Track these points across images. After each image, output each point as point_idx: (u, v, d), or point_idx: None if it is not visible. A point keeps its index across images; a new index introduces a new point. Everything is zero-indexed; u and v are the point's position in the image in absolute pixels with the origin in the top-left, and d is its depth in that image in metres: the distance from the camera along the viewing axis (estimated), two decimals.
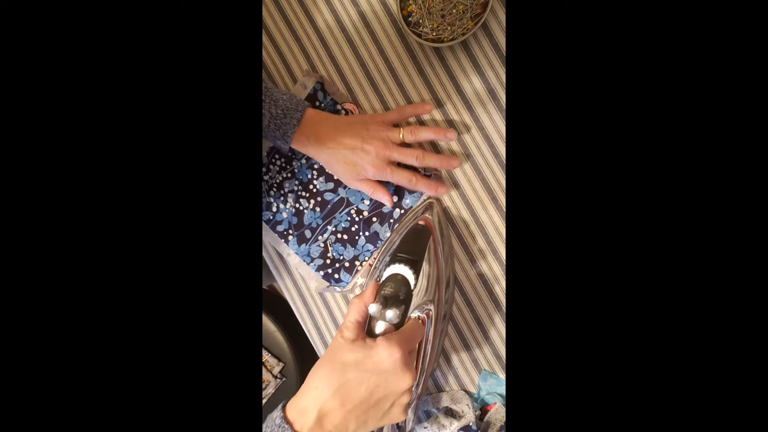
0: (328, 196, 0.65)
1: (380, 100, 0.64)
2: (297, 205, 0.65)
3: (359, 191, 0.64)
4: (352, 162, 0.58)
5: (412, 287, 0.49)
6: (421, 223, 0.58)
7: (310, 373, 0.45)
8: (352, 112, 0.63)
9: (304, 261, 0.66)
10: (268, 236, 0.66)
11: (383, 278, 0.50)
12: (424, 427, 0.61)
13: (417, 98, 0.63)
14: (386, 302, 0.47)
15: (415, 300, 0.50)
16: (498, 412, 0.61)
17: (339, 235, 0.65)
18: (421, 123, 0.63)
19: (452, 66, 0.61)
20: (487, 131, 0.61)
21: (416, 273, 0.50)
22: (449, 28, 0.58)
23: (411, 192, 0.63)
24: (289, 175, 0.65)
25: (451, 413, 0.63)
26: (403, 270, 0.49)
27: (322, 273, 0.65)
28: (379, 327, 0.46)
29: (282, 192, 0.65)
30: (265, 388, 0.98)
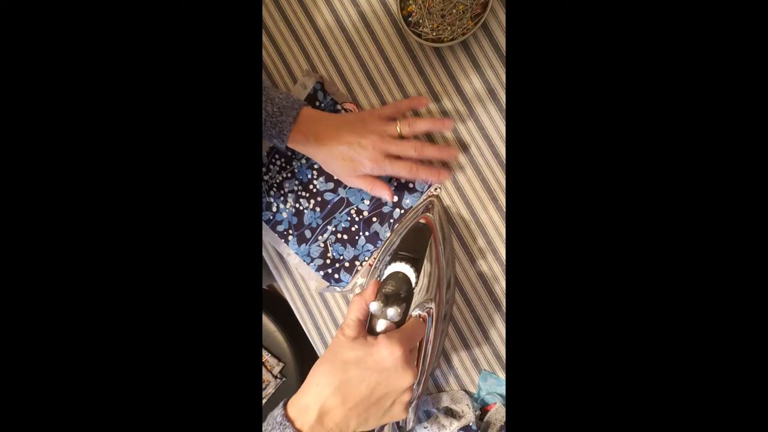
0: (328, 196, 0.65)
1: (380, 100, 0.64)
2: (297, 205, 0.65)
3: (359, 191, 0.64)
4: (349, 158, 0.57)
5: (413, 285, 0.49)
6: (422, 221, 0.58)
7: (311, 370, 0.45)
8: (352, 112, 0.63)
9: (304, 261, 0.66)
10: (268, 236, 0.66)
11: (384, 276, 0.50)
12: (424, 427, 0.61)
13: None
14: (387, 300, 0.47)
15: (416, 298, 0.50)
16: (498, 412, 0.61)
17: (339, 235, 0.65)
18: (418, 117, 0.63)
19: (452, 66, 0.61)
20: (487, 131, 0.61)
21: (417, 271, 0.50)
22: (449, 28, 0.58)
23: (411, 192, 0.63)
24: (289, 175, 0.65)
25: (451, 413, 0.63)
26: (404, 268, 0.49)
27: (322, 273, 0.65)
28: (380, 325, 0.46)
29: (282, 192, 0.65)
30: (265, 388, 0.98)
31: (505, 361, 0.63)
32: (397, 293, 0.48)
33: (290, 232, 0.66)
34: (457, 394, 0.63)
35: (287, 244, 0.66)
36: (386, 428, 0.52)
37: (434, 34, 0.59)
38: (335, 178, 0.64)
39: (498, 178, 0.62)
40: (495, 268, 0.62)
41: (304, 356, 1.00)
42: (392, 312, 0.45)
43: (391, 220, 0.63)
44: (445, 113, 0.62)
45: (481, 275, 0.63)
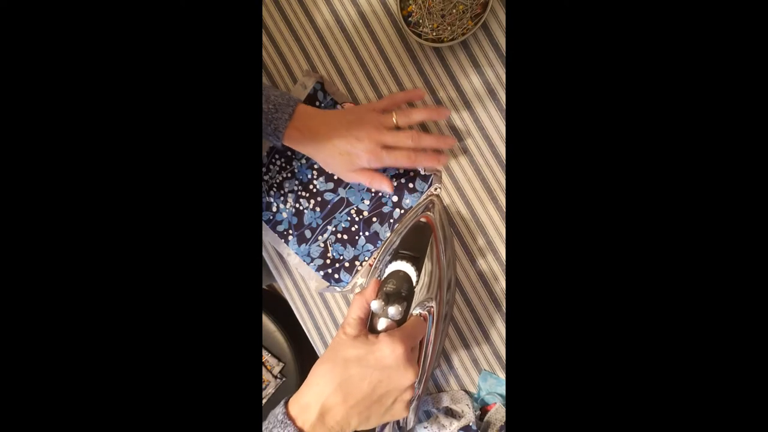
0: (328, 196, 0.65)
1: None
2: (297, 205, 0.65)
3: (359, 192, 0.64)
4: (345, 151, 0.56)
5: (414, 284, 0.49)
6: (423, 220, 0.58)
7: (312, 369, 0.45)
8: None
9: (304, 261, 0.66)
10: (268, 236, 0.66)
11: (385, 275, 0.50)
12: (425, 427, 0.61)
13: (420, 104, 0.62)
14: (388, 299, 0.47)
15: (417, 297, 0.50)
16: (498, 412, 0.61)
17: (339, 235, 0.65)
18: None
19: (452, 66, 0.61)
20: (487, 131, 0.61)
21: (418, 270, 0.50)
22: (449, 28, 0.58)
23: (411, 192, 0.63)
24: (289, 175, 0.65)
25: (451, 413, 0.63)
26: (405, 267, 0.49)
27: (322, 273, 0.65)
28: (381, 324, 0.46)
29: (282, 192, 0.65)
30: (265, 388, 0.98)
31: (505, 361, 0.63)
32: (398, 292, 0.48)
33: (290, 232, 0.66)
34: (457, 394, 0.63)
35: (287, 244, 0.66)
36: (387, 428, 0.52)
37: (434, 34, 0.59)
38: (335, 178, 0.64)
39: (498, 178, 0.62)
40: (495, 268, 0.62)
41: (304, 356, 1.00)
42: (393, 310, 0.45)
43: (391, 220, 0.63)
44: (446, 121, 0.62)
45: (481, 275, 0.63)
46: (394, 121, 0.58)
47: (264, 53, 0.65)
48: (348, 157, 0.57)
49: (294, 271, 0.67)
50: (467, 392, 0.63)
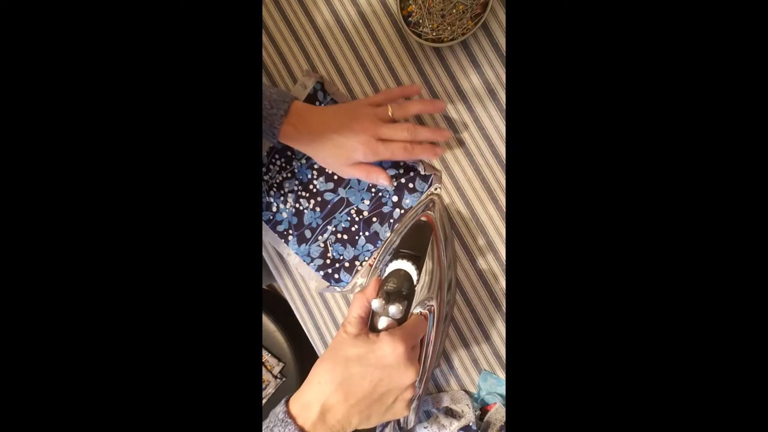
0: (328, 196, 0.65)
1: None
2: (297, 205, 0.65)
3: (359, 191, 0.64)
4: (341, 145, 0.56)
5: (415, 283, 0.49)
6: (423, 219, 0.58)
7: (313, 368, 0.45)
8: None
9: (304, 261, 0.66)
10: (268, 236, 0.66)
11: (386, 274, 0.50)
12: (425, 427, 0.61)
13: (417, 98, 0.62)
14: (389, 298, 0.47)
15: (418, 296, 0.50)
16: (498, 412, 0.61)
17: (339, 235, 0.65)
18: None
19: (452, 66, 0.61)
20: (487, 131, 0.61)
21: (419, 269, 0.50)
22: (449, 28, 0.58)
23: (411, 192, 0.63)
24: (289, 175, 0.65)
25: (451, 413, 0.63)
26: (406, 266, 0.49)
27: (322, 273, 0.65)
28: (382, 323, 0.46)
29: (282, 192, 0.65)
30: (265, 388, 0.98)
31: (505, 361, 0.63)
32: (399, 290, 0.48)
33: (290, 232, 0.66)
34: (457, 394, 0.63)
35: (287, 244, 0.66)
36: (388, 428, 0.52)
37: (434, 34, 0.59)
38: (335, 177, 0.64)
39: (498, 178, 0.62)
40: (495, 268, 0.62)
41: (304, 356, 1.00)
42: (394, 309, 0.45)
43: (391, 220, 0.63)
44: (444, 114, 0.62)
45: (481, 275, 0.63)
46: (390, 114, 0.57)
47: (264, 53, 0.65)
48: (344, 150, 0.56)
49: (294, 271, 0.67)
50: (467, 392, 0.63)
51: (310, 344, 0.68)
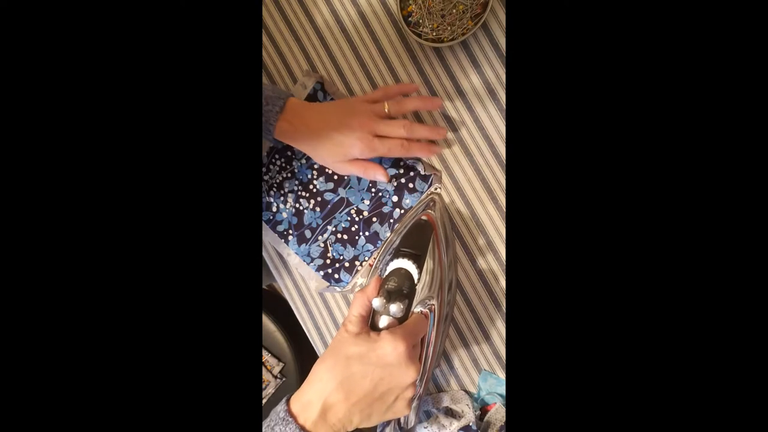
0: (328, 196, 0.65)
1: None
2: (297, 205, 0.65)
3: (359, 191, 0.64)
4: (338, 142, 0.56)
5: (416, 281, 0.49)
6: (424, 218, 0.58)
7: (314, 366, 0.45)
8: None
9: (304, 261, 0.66)
10: (268, 236, 0.66)
11: (387, 273, 0.50)
12: (425, 427, 0.61)
13: (414, 95, 0.62)
14: (390, 296, 0.47)
15: (419, 294, 0.50)
16: (498, 412, 0.61)
17: (339, 235, 0.65)
18: None
19: (452, 66, 0.61)
20: (487, 131, 0.61)
21: (419, 268, 0.50)
22: (449, 28, 0.58)
23: (411, 192, 0.63)
24: (289, 175, 0.65)
25: (451, 413, 0.63)
26: (407, 264, 0.49)
27: (322, 273, 0.65)
28: (383, 321, 0.46)
29: (282, 192, 0.65)
30: (265, 388, 0.98)
31: (505, 361, 0.63)
32: (400, 289, 0.48)
33: (290, 232, 0.66)
34: (457, 394, 0.63)
35: (287, 244, 0.66)
36: (388, 428, 0.52)
37: (434, 34, 0.59)
38: (335, 177, 0.64)
39: (498, 178, 0.62)
40: (495, 268, 0.62)
41: (304, 356, 1.00)
42: (395, 308, 0.45)
43: (391, 220, 0.63)
44: (444, 113, 0.62)
45: (481, 275, 0.63)
46: (387, 110, 0.57)
47: (264, 53, 0.65)
48: (341, 147, 0.56)
49: (294, 271, 0.67)
50: (467, 392, 0.63)
51: (310, 344, 0.68)
